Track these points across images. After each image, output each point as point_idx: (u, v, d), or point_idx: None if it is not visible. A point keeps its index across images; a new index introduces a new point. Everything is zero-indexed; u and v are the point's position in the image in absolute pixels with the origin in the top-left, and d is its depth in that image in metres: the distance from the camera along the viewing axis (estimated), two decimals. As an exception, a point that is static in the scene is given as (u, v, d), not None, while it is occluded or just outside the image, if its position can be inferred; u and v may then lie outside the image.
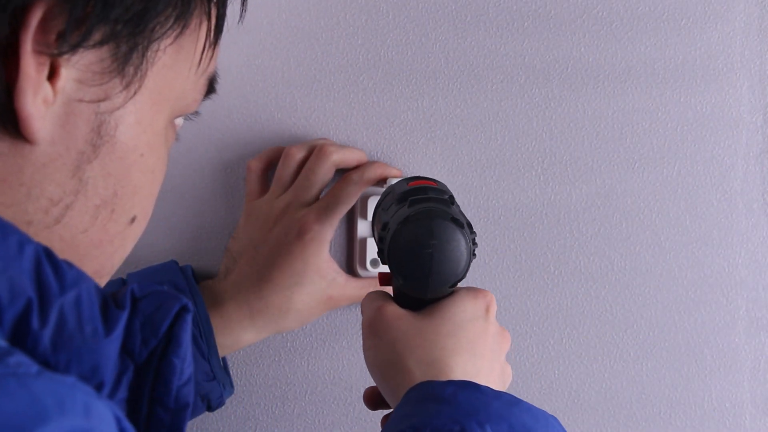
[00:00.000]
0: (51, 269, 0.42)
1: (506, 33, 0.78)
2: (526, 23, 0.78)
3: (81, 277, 0.42)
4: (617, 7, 0.78)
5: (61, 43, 0.42)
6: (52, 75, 0.43)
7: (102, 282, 0.49)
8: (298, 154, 0.76)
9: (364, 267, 0.78)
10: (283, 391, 0.81)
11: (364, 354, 0.64)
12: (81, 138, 0.45)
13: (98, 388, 0.42)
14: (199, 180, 0.80)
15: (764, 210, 0.81)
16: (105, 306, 0.43)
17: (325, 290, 0.75)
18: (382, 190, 0.70)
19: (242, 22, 0.57)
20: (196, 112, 0.54)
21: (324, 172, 0.75)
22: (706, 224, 0.80)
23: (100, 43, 0.44)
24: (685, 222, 0.80)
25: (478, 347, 0.62)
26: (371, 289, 0.76)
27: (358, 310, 0.80)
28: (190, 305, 0.46)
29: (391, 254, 0.61)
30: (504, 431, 0.53)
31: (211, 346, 0.72)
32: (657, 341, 0.81)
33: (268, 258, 0.74)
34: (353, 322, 0.81)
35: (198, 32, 0.50)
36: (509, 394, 0.57)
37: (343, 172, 0.77)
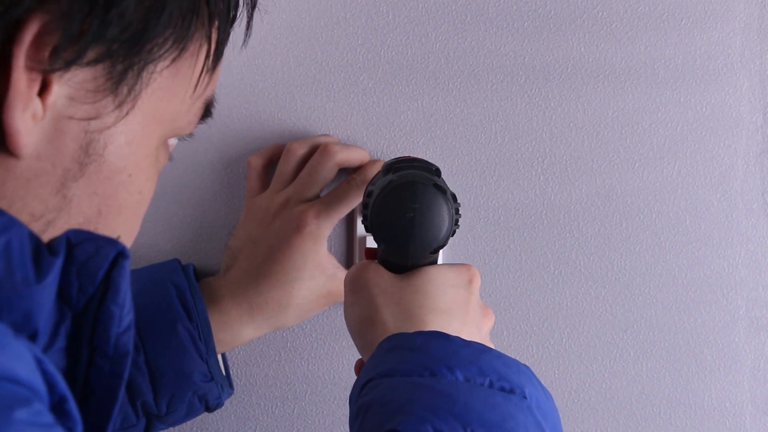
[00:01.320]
0: None
1: (506, 33, 0.78)
2: (526, 23, 0.78)
3: (12, 223, 0.41)
4: (617, 7, 0.78)
5: (54, 60, 0.41)
6: (44, 90, 0.42)
7: None
8: (300, 150, 0.76)
9: (364, 266, 0.78)
10: (283, 391, 0.81)
11: (345, 311, 0.65)
12: (68, 155, 0.44)
13: (33, 337, 0.41)
14: (200, 180, 0.80)
15: (764, 210, 0.81)
16: (37, 253, 0.41)
17: (325, 285, 0.75)
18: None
19: (245, 47, 0.55)
20: (191, 134, 0.53)
21: (327, 171, 0.74)
22: (706, 224, 0.80)
23: (95, 62, 0.43)
24: (685, 222, 0.80)
25: (456, 312, 0.62)
26: None
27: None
28: (127, 251, 0.45)
29: (374, 219, 0.62)
30: (474, 374, 0.53)
31: (210, 347, 0.72)
32: (657, 341, 0.81)
33: (267, 252, 0.74)
34: (353, 322, 0.81)
35: (197, 56, 0.49)
36: (480, 343, 0.56)
37: (345, 171, 0.77)
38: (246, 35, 0.54)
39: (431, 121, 0.79)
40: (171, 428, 0.80)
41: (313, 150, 0.76)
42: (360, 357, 0.67)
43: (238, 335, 0.75)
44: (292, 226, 0.73)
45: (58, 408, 0.38)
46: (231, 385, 0.78)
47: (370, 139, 0.79)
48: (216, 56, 0.50)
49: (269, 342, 0.81)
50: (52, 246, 0.43)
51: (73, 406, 0.39)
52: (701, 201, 0.80)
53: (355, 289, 0.64)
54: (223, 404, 0.75)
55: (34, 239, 0.42)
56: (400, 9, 0.78)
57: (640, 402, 0.82)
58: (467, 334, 0.61)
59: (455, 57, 0.78)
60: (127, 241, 0.50)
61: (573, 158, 0.80)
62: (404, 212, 0.61)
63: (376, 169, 0.75)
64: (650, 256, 0.81)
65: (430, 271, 0.63)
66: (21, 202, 0.43)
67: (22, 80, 0.41)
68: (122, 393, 0.46)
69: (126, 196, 0.48)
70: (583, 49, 0.79)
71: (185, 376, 0.71)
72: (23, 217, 0.44)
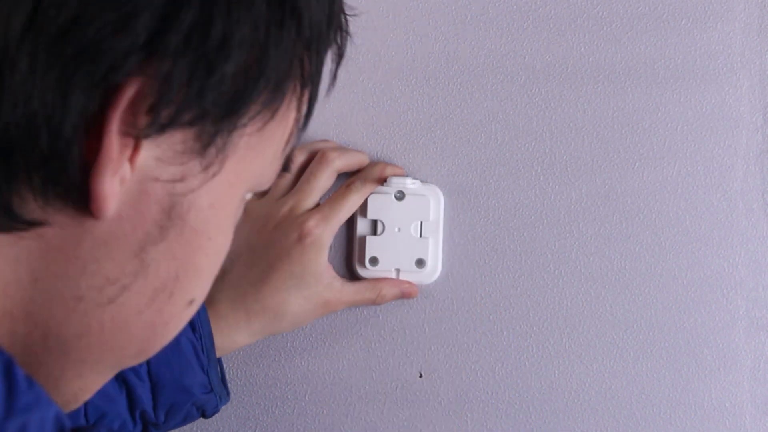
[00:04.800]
0: (4, 387, 0.37)
1: (506, 33, 0.78)
2: (526, 23, 0.78)
3: (38, 402, 0.37)
4: (617, 7, 0.78)
5: (149, 125, 0.39)
6: (133, 153, 0.40)
7: (141, 359, 0.46)
8: (298, 158, 0.76)
9: (363, 265, 0.78)
10: (283, 391, 0.81)
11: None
12: (150, 218, 0.41)
13: None
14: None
15: (764, 210, 0.81)
16: None
17: (322, 294, 0.75)
18: (382, 188, 0.71)
19: (329, 96, 0.53)
20: (268, 190, 0.50)
21: (325, 179, 0.75)
22: (706, 224, 0.80)
23: (188, 124, 0.40)
24: (685, 222, 0.80)
25: None
26: (367, 294, 0.77)
27: (358, 311, 0.80)
28: None
29: None
30: None
31: (211, 359, 0.72)
32: (657, 341, 0.81)
33: (267, 260, 0.74)
34: (353, 323, 0.81)
35: (287, 117, 0.46)
36: None
37: (344, 175, 0.77)
38: (330, 87, 0.52)
39: (431, 121, 0.79)
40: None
41: (312, 156, 0.77)
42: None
43: (232, 341, 0.75)
44: (294, 236, 0.74)
45: None
46: (228, 394, 0.78)
47: (370, 139, 0.79)
48: (307, 117, 0.48)
49: (269, 342, 0.81)
50: None
51: None
52: (701, 201, 0.80)
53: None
54: (219, 410, 0.76)
55: (59, 424, 0.38)
56: (400, 9, 0.78)
57: (640, 402, 0.82)
58: None
59: (455, 57, 0.78)
60: (200, 302, 0.48)
61: (573, 158, 0.80)
62: None
63: (376, 170, 0.75)
64: (650, 256, 0.80)
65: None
66: (96, 265, 0.41)
67: (115, 146, 0.38)
68: None
69: (204, 260, 0.45)
70: (583, 49, 0.79)
71: (185, 388, 0.72)
72: (97, 280, 0.41)
